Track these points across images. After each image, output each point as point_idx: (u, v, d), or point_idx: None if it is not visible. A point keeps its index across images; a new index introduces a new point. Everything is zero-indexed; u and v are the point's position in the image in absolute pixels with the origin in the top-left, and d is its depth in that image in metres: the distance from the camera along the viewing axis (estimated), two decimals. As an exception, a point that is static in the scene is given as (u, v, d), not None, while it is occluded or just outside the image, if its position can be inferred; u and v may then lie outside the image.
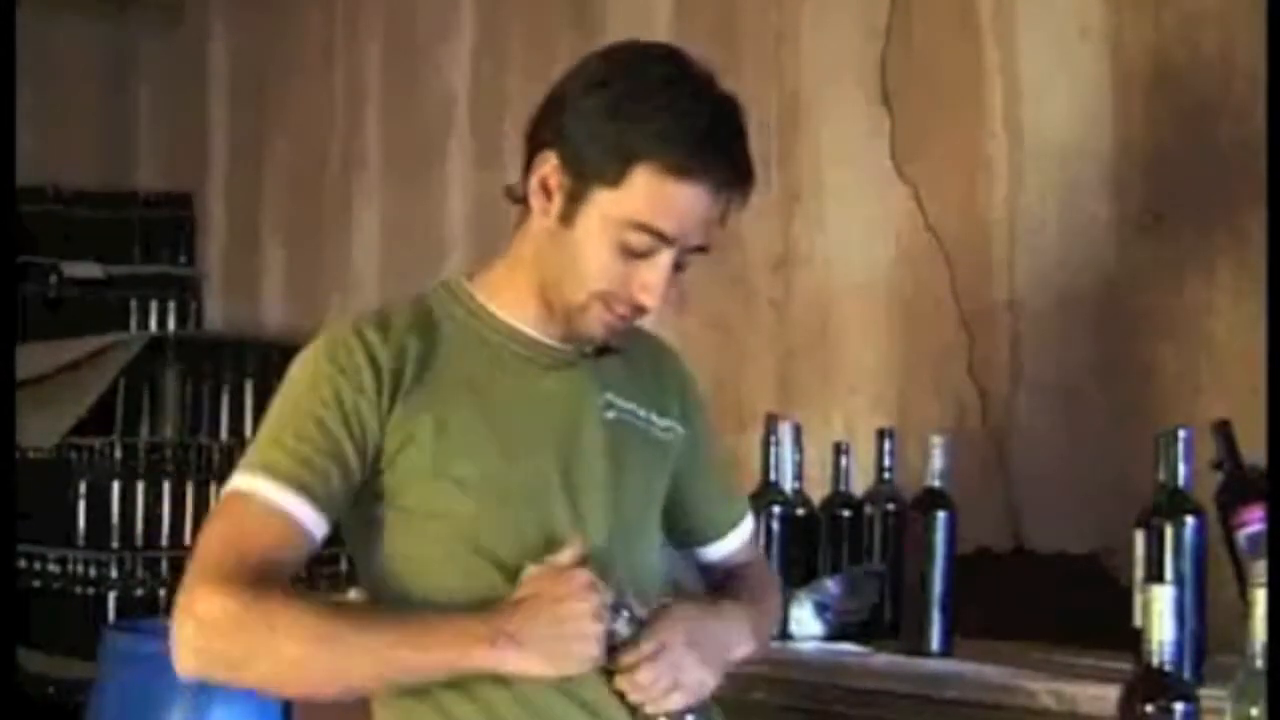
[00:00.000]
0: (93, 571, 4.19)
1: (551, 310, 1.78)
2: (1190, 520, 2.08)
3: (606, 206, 1.69)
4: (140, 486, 4.21)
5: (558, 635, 1.63)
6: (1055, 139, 2.78)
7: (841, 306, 3.09)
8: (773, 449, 2.67)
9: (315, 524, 1.67)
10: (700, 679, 1.75)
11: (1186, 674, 1.86)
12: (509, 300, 1.81)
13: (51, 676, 4.07)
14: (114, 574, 4.16)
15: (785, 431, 2.69)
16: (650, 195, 1.68)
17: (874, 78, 3.04)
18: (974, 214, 2.89)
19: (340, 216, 4.42)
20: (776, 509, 2.64)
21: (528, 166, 1.75)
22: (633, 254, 1.70)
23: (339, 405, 1.70)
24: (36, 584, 4.28)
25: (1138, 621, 1.94)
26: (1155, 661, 1.62)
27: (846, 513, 2.65)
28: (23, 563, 4.29)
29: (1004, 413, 2.81)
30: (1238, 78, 2.50)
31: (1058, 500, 2.72)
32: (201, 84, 4.95)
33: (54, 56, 4.90)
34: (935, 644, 2.39)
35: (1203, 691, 1.69)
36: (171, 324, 4.77)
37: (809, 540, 2.66)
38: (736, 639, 1.84)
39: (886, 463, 2.62)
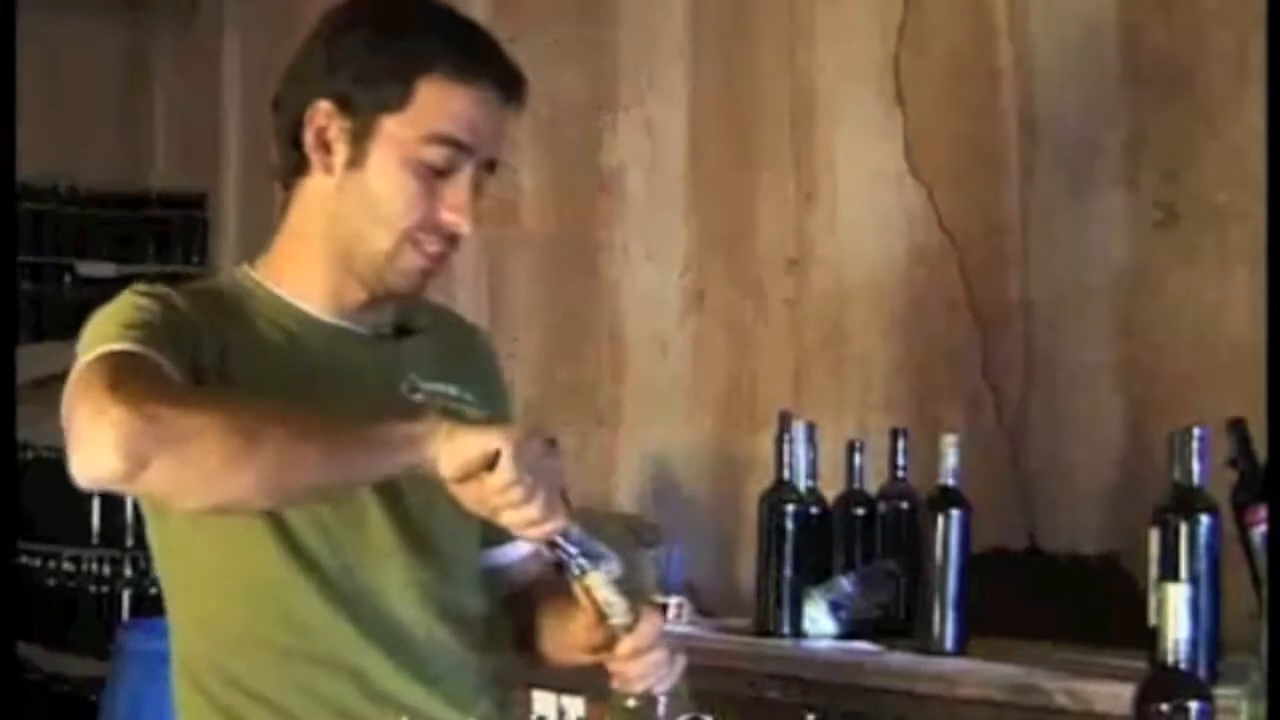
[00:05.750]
0: (106, 570, 4.21)
1: (348, 280, 1.71)
2: (1205, 519, 2.08)
3: (397, 131, 1.66)
4: (154, 485, 4.22)
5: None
6: (1069, 137, 2.77)
7: (855, 306, 3.08)
8: (786, 447, 2.67)
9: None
10: (680, 658, 1.70)
11: (1201, 673, 1.85)
12: (296, 282, 1.74)
13: (65, 675, 4.08)
14: (128, 572, 4.17)
15: (799, 430, 2.69)
16: (440, 105, 1.66)
17: (888, 77, 3.04)
18: (987, 213, 2.88)
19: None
20: (790, 508, 2.64)
21: (293, 136, 1.70)
22: (433, 173, 1.66)
23: (161, 314, 1.63)
24: (50, 582, 4.30)
25: (1153, 620, 1.93)
26: (1170, 660, 1.62)
27: (860, 511, 2.65)
28: (37, 561, 4.30)
29: (1017, 411, 2.80)
30: (1251, 73, 2.50)
31: (1072, 499, 2.72)
32: (216, 84, 4.96)
33: (68, 56, 4.91)
34: (949, 643, 2.39)
35: (1217, 690, 1.68)
36: (186, 323, 4.76)
37: (823, 539, 2.66)
38: None
39: (900, 461, 2.61)
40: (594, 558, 1.61)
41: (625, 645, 1.65)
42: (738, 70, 3.33)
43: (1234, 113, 2.54)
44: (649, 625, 1.65)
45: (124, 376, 1.50)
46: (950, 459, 2.41)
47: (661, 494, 3.36)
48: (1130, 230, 2.68)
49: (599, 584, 1.63)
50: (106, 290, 5.32)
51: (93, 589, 4.22)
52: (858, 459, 2.68)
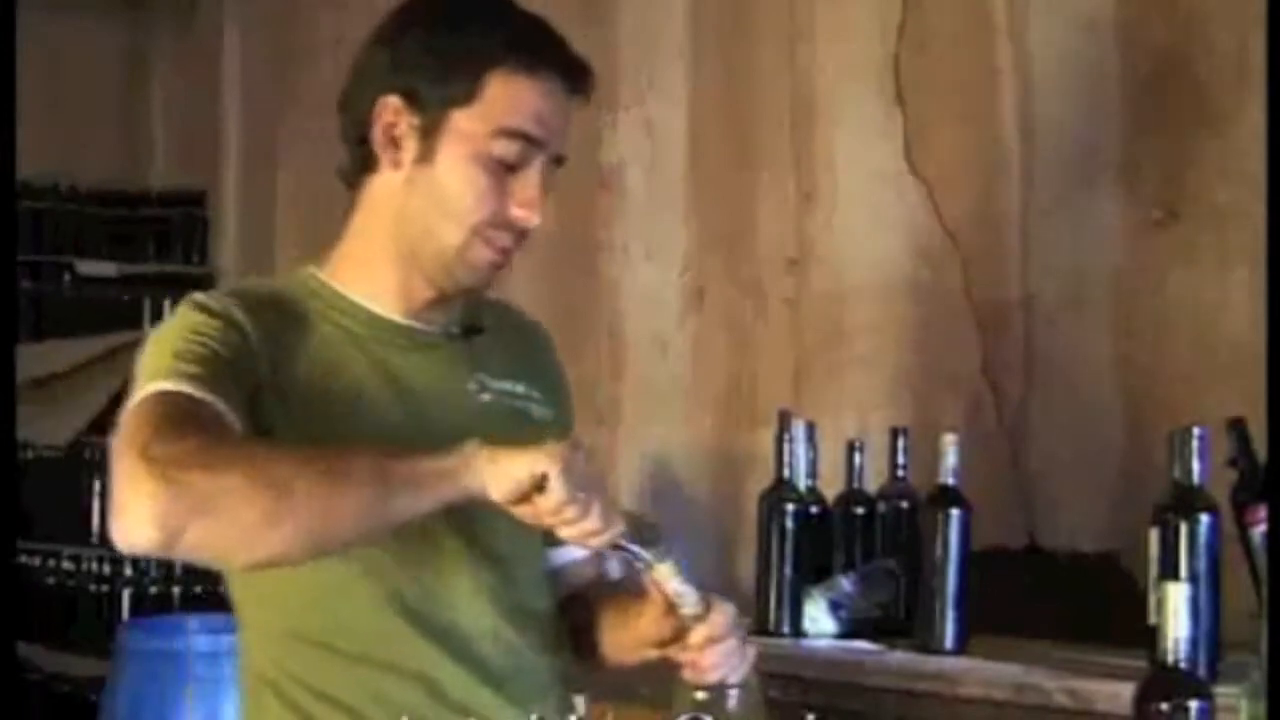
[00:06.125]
0: (106, 569, 4.20)
1: (415, 278, 1.70)
2: (1205, 518, 2.07)
3: (468, 125, 1.65)
4: (154, 484, 4.21)
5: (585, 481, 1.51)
6: (1068, 137, 2.78)
7: (855, 306, 3.08)
8: (786, 447, 2.67)
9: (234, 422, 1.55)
10: (751, 649, 1.68)
11: (1201, 672, 1.85)
12: (363, 282, 1.72)
13: (65, 675, 4.08)
14: (128, 571, 4.17)
15: (799, 429, 2.69)
16: (510, 98, 1.65)
17: (888, 77, 3.04)
18: (987, 213, 2.88)
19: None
20: (790, 507, 2.64)
21: (360, 134, 1.70)
22: (503, 168, 1.65)
23: (220, 335, 1.60)
24: (50, 582, 4.30)
25: (1152, 619, 1.94)
26: (1170, 659, 1.62)
27: (860, 510, 2.65)
28: (37, 561, 4.30)
29: (1018, 410, 2.80)
30: (1251, 73, 2.50)
31: (1071, 498, 2.72)
32: (215, 82, 4.96)
33: (68, 55, 4.92)
34: (949, 641, 2.39)
35: (1217, 689, 1.68)
36: (185, 322, 4.76)
37: (823, 538, 2.66)
38: None
39: (900, 460, 2.62)
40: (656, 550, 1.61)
41: (698, 634, 1.63)
42: (738, 70, 3.33)
43: (1234, 113, 2.54)
44: (721, 614, 1.63)
45: (162, 434, 1.49)
46: (950, 458, 2.41)
47: (661, 493, 3.36)
48: (1130, 230, 2.68)
49: (668, 575, 1.62)
50: (106, 289, 5.33)
51: (93, 589, 4.22)
52: (858, 458, 2.68)
